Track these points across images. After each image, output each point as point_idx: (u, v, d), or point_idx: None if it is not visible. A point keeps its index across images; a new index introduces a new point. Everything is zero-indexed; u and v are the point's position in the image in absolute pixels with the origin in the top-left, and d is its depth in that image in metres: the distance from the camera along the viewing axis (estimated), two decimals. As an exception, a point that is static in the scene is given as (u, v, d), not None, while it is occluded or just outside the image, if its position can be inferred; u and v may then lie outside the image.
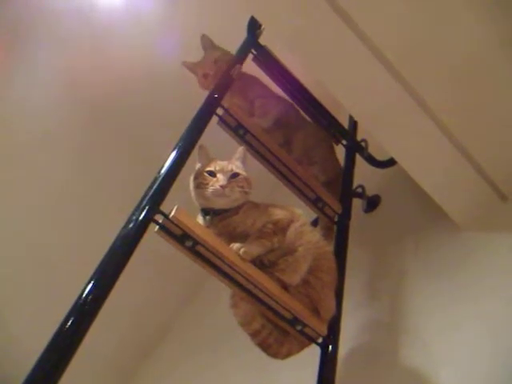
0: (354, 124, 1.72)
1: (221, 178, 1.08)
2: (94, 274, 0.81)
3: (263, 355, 1.07)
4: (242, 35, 1.56)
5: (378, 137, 1.29)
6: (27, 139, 2.38)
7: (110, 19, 2.53)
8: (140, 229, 0.89)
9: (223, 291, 1.11)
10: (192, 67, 1.56)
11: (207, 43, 1.55)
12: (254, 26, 1.48)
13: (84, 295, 0.77)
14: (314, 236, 1.13)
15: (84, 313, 0.75)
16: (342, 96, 1.22)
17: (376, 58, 1.14)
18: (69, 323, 0.73)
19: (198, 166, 1.16)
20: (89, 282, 0.79)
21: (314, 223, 1.53)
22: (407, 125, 1.24)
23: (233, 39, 1.53)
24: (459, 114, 1.22)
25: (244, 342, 1.09)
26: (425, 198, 1.31)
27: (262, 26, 1.47)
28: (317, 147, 1.57)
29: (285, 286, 1.06)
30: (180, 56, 2.05)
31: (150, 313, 2.55)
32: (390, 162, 1.53)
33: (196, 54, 1.96)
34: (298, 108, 1.61)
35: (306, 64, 1.25)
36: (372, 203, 1.68)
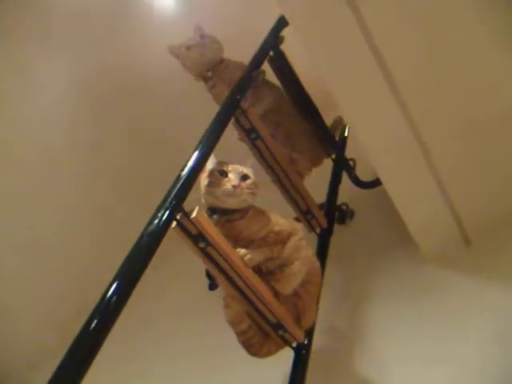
0: (343, 140, 1.81)
1: (233, 178, 1.11)
2: (120, 269, 0.82)
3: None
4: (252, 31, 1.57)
5: (372, 162, 1.38)
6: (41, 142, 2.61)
7: (124, 17, 2.56)
8: (164, 227, 0.91)
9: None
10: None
11: None
12: (280, 26, 1.48)
13: (112, 289, 0.78)
14: (309, 251, 1.21)
15: (112, 305, 0.77)
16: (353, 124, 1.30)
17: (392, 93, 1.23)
18: (100, 311, 0.75)
19: (209, 166, 1.17)
20: (116, 278, 0.80)
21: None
22: (402, 155, 1.34)
23: (244, 37, 1.54)
24: (451, 162, 1.34)
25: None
26: (398, 221, 1.42)
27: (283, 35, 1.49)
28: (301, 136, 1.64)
29: (276, 293, 1.14)
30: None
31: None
32: (374, 183, 1.64)
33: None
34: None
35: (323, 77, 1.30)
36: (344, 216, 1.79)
